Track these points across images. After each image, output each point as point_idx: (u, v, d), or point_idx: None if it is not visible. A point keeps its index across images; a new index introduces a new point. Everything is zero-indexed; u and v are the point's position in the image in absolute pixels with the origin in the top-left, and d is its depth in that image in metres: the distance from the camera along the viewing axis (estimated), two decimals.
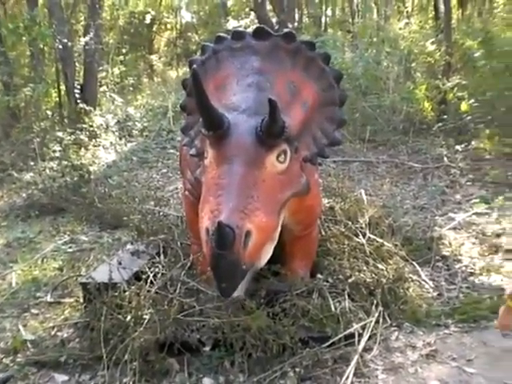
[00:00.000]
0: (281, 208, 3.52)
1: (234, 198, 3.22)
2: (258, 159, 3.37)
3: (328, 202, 6.04)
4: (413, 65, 13.07)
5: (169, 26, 26.45)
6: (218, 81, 3.83)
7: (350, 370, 3.81)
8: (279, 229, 3.61)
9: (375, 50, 13.68)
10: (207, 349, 4.01)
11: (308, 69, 3.86)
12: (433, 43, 13.07)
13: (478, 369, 3.87)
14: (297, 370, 3.87)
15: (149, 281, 4.44)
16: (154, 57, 23.86)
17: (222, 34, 4.07)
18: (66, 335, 4.54)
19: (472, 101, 10.90)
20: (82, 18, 17.78)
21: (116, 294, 4.28)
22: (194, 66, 3.51)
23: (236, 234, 3.07)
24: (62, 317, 4.89)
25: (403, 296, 4.75)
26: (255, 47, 3.86)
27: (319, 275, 4.69)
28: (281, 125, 3.30)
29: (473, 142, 10.04)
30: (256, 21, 18.89)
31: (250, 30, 4.09)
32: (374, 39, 14.49)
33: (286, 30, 3.93)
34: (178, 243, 5.27)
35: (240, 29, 4.16)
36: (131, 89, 18.81)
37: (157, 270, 4.62)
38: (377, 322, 4.35)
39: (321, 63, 3.90)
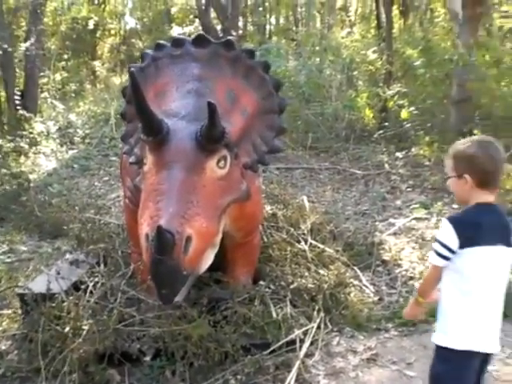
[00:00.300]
0: (221, 214, 3.51)
1: (174, 203, 3.19)
2: (198, 164, 3.35)
3: (270, 209, 6.08)
4: (355, 73, 13.26)
5: (112, 32, 26.15)
6: (157, 88, 3.82)
7: (292, 376, 3.84)
8: (220, 235, 3.59)
9: (318, 58, 13.84)
10: (148, 359, 3.97)
11: (248, 77, 3.88)
12: (374, 52, 13.32)
13: (417, 372, 3.95)
14: (239, 377, 3.88)
15: (88, 291, 4.37)
16: (97, 63, 23.50)
17: (161, 42, 4.08)
18: (3, 347, 4.43)
19: (412, 108, 11.11)
20: (24, 23, 17.41)
21: (54, 304, 4.19)
22: (132, 69, 3.48)
23: (176, 239, 3.03)
24: (0, 328, 4.75)
25: (344, 301, 4.82)
26: (195, 54, 3.88)
27: (261, 282, 4.71)
28: (220, 130, 3.30)
29: (413, 149, 10.21)
30: (200, 28, 18.89)
31: (190, 37, 4.09)
32: (317, 47, 14.64)
33: (226, 38, 3.96)
34: (119, 252, 5.20)
35: (180, 36, 4.14)
36: (73, 95, 18.51)
37: (96, 279, 4.55)
38: (318, 327, 4.40)
39: (261, 72, 3.93)
